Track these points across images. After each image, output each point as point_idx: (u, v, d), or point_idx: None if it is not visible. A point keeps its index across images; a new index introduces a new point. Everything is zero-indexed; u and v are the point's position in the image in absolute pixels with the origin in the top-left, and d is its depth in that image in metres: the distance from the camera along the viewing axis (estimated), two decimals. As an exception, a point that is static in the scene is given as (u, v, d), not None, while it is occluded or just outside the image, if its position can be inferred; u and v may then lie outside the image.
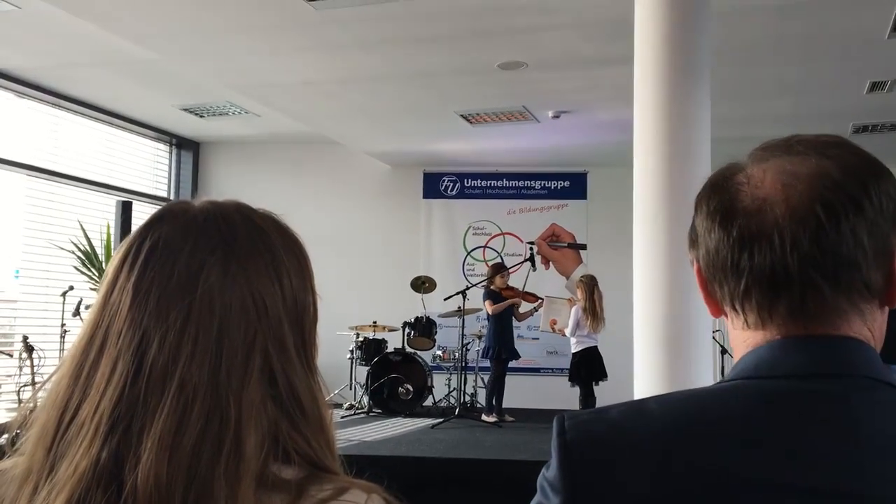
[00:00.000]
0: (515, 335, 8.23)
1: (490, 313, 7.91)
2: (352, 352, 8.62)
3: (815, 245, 0.77)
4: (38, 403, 0.80)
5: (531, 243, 8.75)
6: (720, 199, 0.83)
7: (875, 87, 6.80)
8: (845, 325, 0.79)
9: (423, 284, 8.83)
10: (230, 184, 9.95)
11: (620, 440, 0.77)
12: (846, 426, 0.74)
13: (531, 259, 8.30)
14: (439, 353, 8.71)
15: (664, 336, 4.10)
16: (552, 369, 9.52)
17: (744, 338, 0.83)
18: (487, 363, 8.04)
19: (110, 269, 0.82)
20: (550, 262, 9.73)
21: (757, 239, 0.79)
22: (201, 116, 8.66)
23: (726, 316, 0.85)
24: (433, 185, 10.12)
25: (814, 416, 0.74)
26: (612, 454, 0.76)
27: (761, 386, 0.78)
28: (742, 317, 0.82)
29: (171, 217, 0.84)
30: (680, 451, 0.74)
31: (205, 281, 0.79)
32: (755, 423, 0.75)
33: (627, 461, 0.75)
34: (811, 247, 0.77)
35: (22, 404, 0.82)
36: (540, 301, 8.03)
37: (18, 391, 6.38)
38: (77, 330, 6.47)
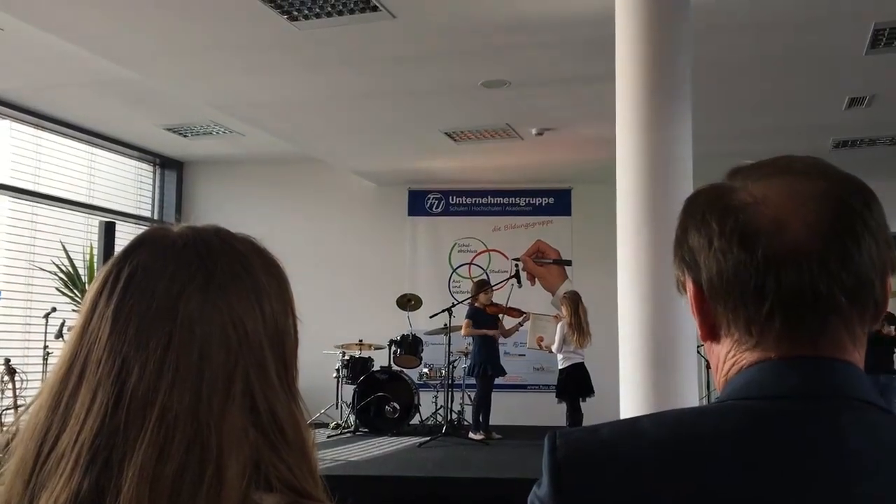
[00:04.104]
0: (501, 352, 8.24)
1: (463, 334, 7.94)
2: (338, 370, 8.58)
3: (843, 267, 0.77)
4: (17, 433, 0.79)
5: (516, 260, 8.75)
6: (734, 218, 0.79)
7: (854, 102, 6.88)
8: (838, 349, 0.79)
9: (409, 302, 8.81)
10: (214, 203, 9.92)
11: (612, 459, 0.77)
12: (835, 448, 0.74)
13: (517, 275, 8.29)
14: (426, 370, 8.68)
15: (649, 351, 4.10)
16: (539, 386, 9.51)
17: (735, 359, 0.82)
18: (474, 381, 8.03)
19: (89, 296, 0.81)
20: (536, 279, 9.74)
21: (784, 261, 0.77)
22: (185, 136, 8.65)
23: (721, 338, 0.83)
24: (418, 203, 10.13)
25: (803, 437, 0.75)
26: (603, 473, 0.76)
27: (752, 406, 0.78)
28: (753, 339, 0.80)
29: (150, 243, 0.83)
30: (671, 470, 0.74)
31: (185, 307, 0.78)
32: (746, 443, 0.75)
33: (619, 480, 0.75)
34: (839, 269, 0.77)
35: (2, 433, 0.81)
36: (525, 316, 8.04)
37: (0, 414, 6.31)
38: (59, 352, 6.45)
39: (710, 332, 0.85)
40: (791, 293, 0.77)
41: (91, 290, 0.82)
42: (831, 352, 0.79)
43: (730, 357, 0.83)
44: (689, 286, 0.85)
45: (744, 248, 0.79)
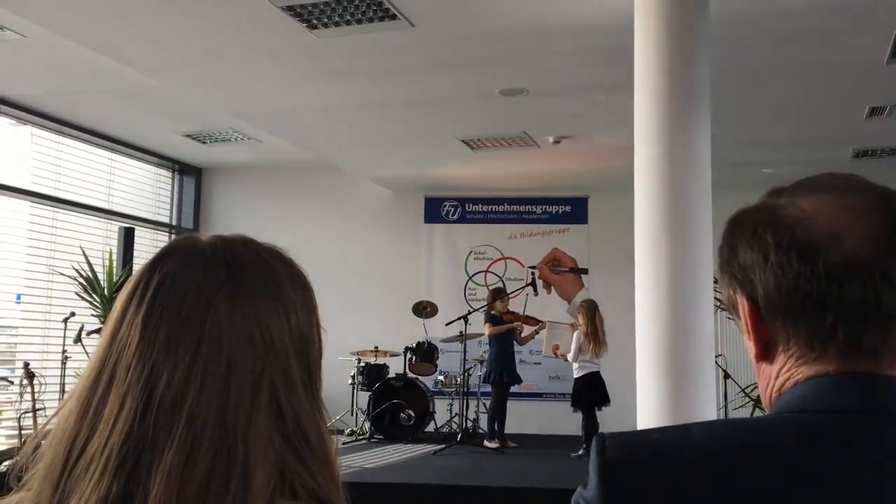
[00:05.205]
0: (517, 360, 8.21)
1: (487, 334, 7.93)
2: (353, 377, 8.59)
3: None
4: (45, 438, 0.80)
5: (533, 268, 8.75)
6: (791, 232, 0.80)
7: (874, 112, 6.83)
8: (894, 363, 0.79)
9: (424, 309, 8.82)
10: (232, 209, 9.98)
11: (661, 464, 0.77)
12: (889, 464, 0.74)
13: (533, 283, 8.30)
14: (441, 378, 8.68)
15: (666, 360, 4.09)
16: (554, 394, 9.48)
17: (790, 374, 0.81)
18: (489, 388, 8.02)
19: (118, 303, 0.83)
20: (552, 287, 9.73)
21: (845, 272, 0.77)
22: (204, 142, 8.71)
23: (777, 355, 0.82)
24: (434, 210, 10.14)
25: (855, 452, 0.74)
26: (651, 477, 0.76)
27: (805, 420, 0.77)
28: (815, 353, 0.79)
29: (179, 252, 0.84)
30: (719, 480, 0.74)
31: (213, 316, 0.79)
32: (798, 456, 0.74)
33: (667, 486, 0.75)
34: None
35: (29, 438, 0.82)
36: (541, 324, 8.03)
37: (19, 418, 6.36)
38: (78, 356, 6.38)
39: (765, 352, 0.84)
40: (855, 305, 0.77)
41: (121, 297, 0.83)
42: (889, 365, 0.78)
43: (783, 372, 0.82)
44: (744, 304, 0.84)
45: (803, 260, 0.78)
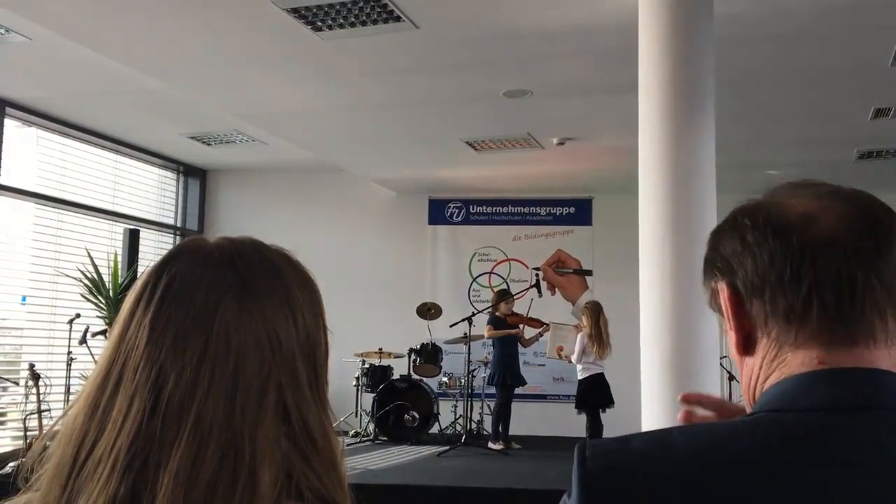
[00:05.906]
0: (521, 361, 8.22)
1: (486, 336, 7.95)
2: (357, 378, 8.60)
3: (877, 254, 0.79)
4: (52, 439, 0.80)
5: (537, 269, 8.75)
6: (766, 213, 0.83)
7: (879, 113, 6.82)
8: (872, 341, 0.79)
9: (429, 311, 8.82)
10: (237, 211, 10.00)
11: (642, 471, 0.76)
12: (872, 462, 0.73)
13: (537, 285, 8.30)
14: (445, 379, 8.68)
15: (671, 361, 4.08)
16: (559, 396, 9.48)
17: (774, 366, 0.81)
18: (493, 390, 8.02)
19: (126, 305, 0.83)
20: (556, 288, 9.73)
21: (819, 248, 0.79)
22: (208, 144, 8.73)
23: (757, 342, 0.83)
24: (438, 212, 10.15)
25: (839, 451, 0.74)
26: (632, 485, 0.76)
27: (784, 420, 0.77)
28: (793, 330, 0.80)
29: (188, 254, 0.85)
30: (701, 485, 0.74)
31: (221, 317, 0.80)
32: (778, 458, 0.74)
33: (648, 493, 0.75)
34: (873, 256, 0.78)
35: (36, 439, 0.83)
36: (544, 326, 8.02)
37: (24, 419, 6.37)
38: (83, 357, 6.38)
39: (745, 342, 0.84)
40: (828, 279, 0.78)
41: (129, 299, 0.83)
42: (868, 354, 0.78)
43: (765, 365, 0.82)
44: (724, 290, 0.85)
45: (778, 237, 0.81)
